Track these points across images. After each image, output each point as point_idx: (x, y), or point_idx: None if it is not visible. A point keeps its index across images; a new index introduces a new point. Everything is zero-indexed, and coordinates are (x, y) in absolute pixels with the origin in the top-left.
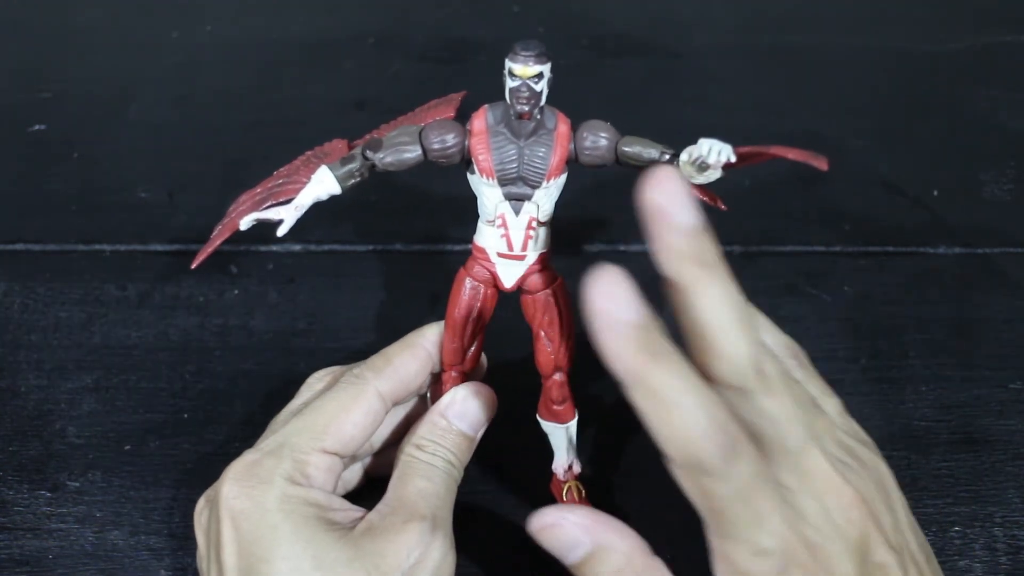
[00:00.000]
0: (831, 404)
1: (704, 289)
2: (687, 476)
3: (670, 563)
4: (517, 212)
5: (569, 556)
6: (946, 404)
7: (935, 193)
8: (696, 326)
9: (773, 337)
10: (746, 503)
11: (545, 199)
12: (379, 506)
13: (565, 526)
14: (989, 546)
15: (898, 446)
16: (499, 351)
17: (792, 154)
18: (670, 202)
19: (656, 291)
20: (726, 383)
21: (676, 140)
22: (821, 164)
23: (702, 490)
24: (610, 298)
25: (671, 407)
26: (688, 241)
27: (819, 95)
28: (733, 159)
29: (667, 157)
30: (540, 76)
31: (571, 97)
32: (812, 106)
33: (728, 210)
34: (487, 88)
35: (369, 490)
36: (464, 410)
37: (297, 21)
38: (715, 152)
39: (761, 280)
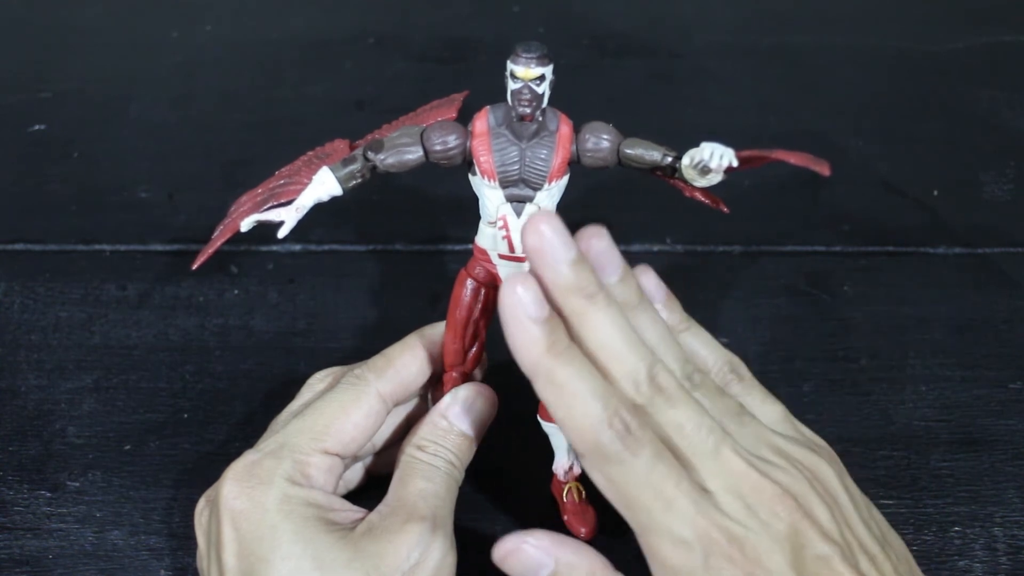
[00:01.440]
0: (772, 411)
1: (588, 318)
2: (594, 467)
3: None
4: (519, 214)
5: None
6: (946, 404)
7: (935, 193)
8: (589, 353)
9: (711, 352)
10: (653, 489)
11: (547, 201)
12: (379, 507)
13: (526, 549)
14: (989, 546)
15: (898, 446)
16: (500, 352)
17: (794, 158)
18: (543, 242)
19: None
20: (629, 401)
21: (676, 140)
22: (823, 169)
23: (608, 479)
24: (517, 295)
25: (570, 396)
26: (566, 276)
27: (819, 95)
28: (735, 163)
29: (669, 159)
30: (542, 78)
31: (571, 97)
32: (812, 106)
33: (728, 211)
34: (487, 88)
35: (371, 489)
36: (465, 410)
37: (297, 21)
38: (717, 156)
39: (761, 280)
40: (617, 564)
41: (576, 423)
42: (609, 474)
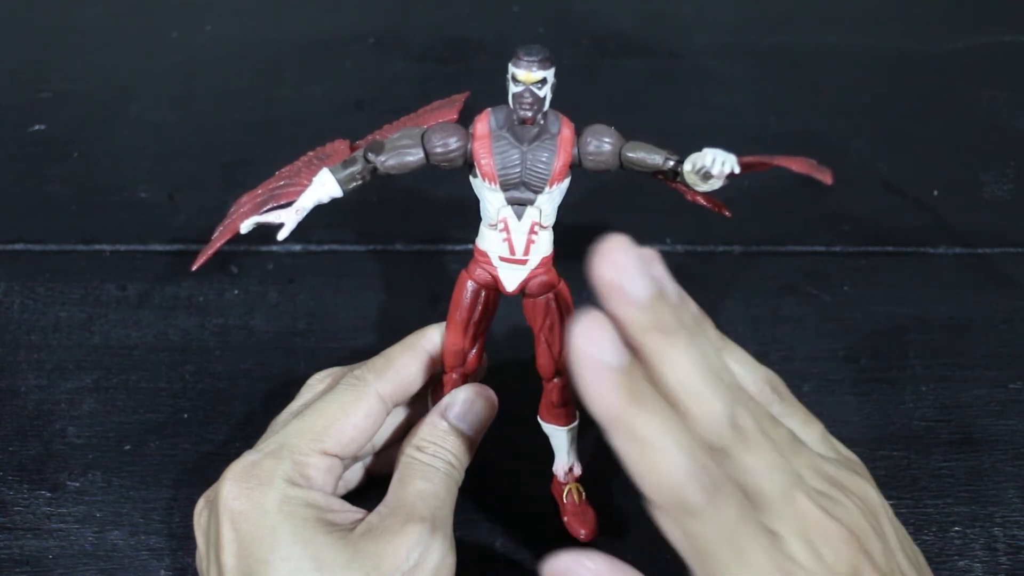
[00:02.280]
0: (813, 432)
1: (669, 357)
2: (670, 519)
3: (669, 564)
4: (519, 216)
5: None
6: (946, 404)
7: (935, 193)
8: (669, 393)
9: (749, 371)
10: (732, 544)
11: (548, 204)
12: (379, 507)
13: (581, 574)
14: (989, 546)
15: (898, 446)
16: (500, 353)
17: (796, 165)
18: (622, 277)
19: None
20: (705, 443)
21: (676, 140)
22: (825, 177)
23: (686, 532)
24: (593, 341)
25: (652, 449)
26: (645, 313)
27: (819, 95)
28: (737, 170)
29: (671, 163)
30: (544, 82)
31: (572, 97)
32: (812, 106)
33: (731, 215)
34: (487, 89)
35: (370, 490)
36: (465, 412)
37: (297, 21)
38: (719, 163)
39: (761, 280)
40: None
41: (657, 476)
42: (687, 527)
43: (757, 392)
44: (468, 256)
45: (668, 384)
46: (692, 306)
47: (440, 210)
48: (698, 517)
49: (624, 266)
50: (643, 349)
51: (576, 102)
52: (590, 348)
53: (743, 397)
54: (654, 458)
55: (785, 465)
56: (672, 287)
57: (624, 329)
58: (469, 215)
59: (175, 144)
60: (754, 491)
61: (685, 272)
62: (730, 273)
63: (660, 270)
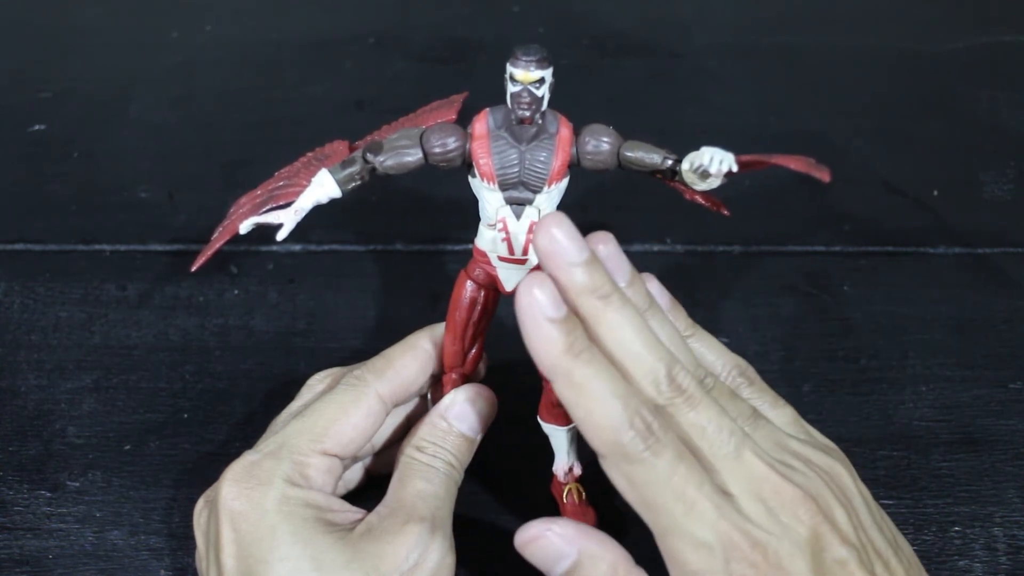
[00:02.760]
0: (783, 414)
1: (605, 318)
2: (614, 468)
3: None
4: (518, 216)
5: (555, 568)
6: (946, 404)
7: (935, 193)
8: (606, 353)
9: (719, 356)
10: (675, 491)
11: (547, 204)
12: (379, 508)
13: (550, 537)
14: (989, 546)
15: (898, 446)
16: (500, 352)
17: (794, 164)
18: (557, 245)
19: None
20: (650, 402)
21: (676, 140)
22: (823, 175)
23: (629, 480)
24: (533, 296)
25: (589, 396)
26: (581, 276)
27: (819, 95)
28: (735, 169)
29: (669, 162)
30: (542, 81)
31: (572, 97)
32: (812, 106)
33: (729, 214)
34: (487, 89)
35: (370, 490)
36: (465, 412)
37: (297, 21)
38: (716, 161)
39: (761, 280)
40: None
41: (596, 423)
42: (630, 475)
43: (726, 375)
44: (468, 256)
45: (605, 344)
46: (653, 286)
47: (440, 210)
48: (639, 464)
49: (557, 236)
50: (580, 311)
51: (576, 102)
52: (530, 302)
53: (689, 361)
54: (590, 404)
55: (733, 427)
56: (625, 268)
57: (563, 294)
58: (469, 215)
59: (175, 144)
60: (701, 449)
61: (685, 272)
62: (730, 273)
63: (612, 248)
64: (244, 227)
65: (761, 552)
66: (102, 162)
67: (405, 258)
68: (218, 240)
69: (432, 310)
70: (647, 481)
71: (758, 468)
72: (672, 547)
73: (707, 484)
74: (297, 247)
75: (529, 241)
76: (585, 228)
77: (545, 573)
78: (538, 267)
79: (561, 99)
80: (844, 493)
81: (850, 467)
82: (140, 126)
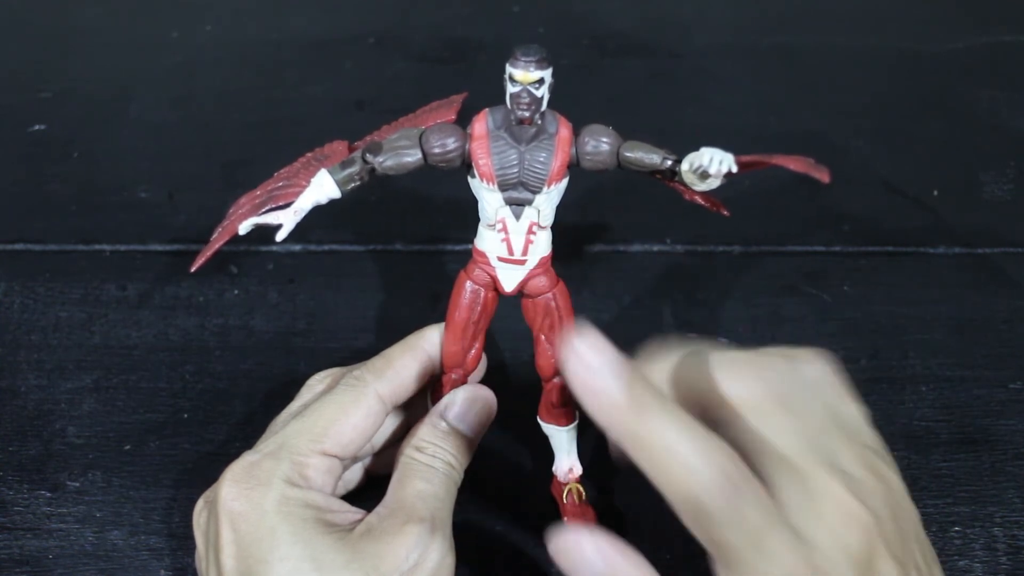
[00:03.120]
0: (856, 413)
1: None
2: (693, 522)
3: (669, 563)
4: (518, 217)
5: None
6: (946, 404)
7: (935, 193)
8: (658, 471)
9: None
10: (749, 535)
11: (546, 204)
12: (378, 508)
13: (585, 549)
14: (989, 546)
15: (898, 446)
16: (500, 353)
17: (794, 164)
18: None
19: (659, 290)
20: (730, 452)
21: (676, 140)
22: (823, 176)
23: (711, 537)
24: (588, 362)
25: (668, 457)
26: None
27: (819, 95)
28: (734, 169)
29: (669, 163)
30: (541, 82)
31: (571, 97)
32: (812, 106)
33: (729, 215)
34: (487, 89)
35: (370, 490)
36: (464, 412)
37: (297, 21)
38: (716, 162)
39: (761, 280)
40: None
41: (676, 484)
42: (710, 532)
43: None
44: (468, 256)
45: (655, 452)
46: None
47: (439, 210)
48: (722, 523)
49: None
50: (630, 439)
51: (576, 102)
52: (577, 364)
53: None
54: (670, 466)
55: (809, 433)
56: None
57: (607, 426)
58: (468, 215)
59: (175, 144)
60: (773, 458)
61: (685, 272)
62: (730, 273)
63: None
64: (243, 228)
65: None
66: (102, 162)
67: (405, 258)
68: (217, 240)
69: (432, 310)
70: (728, 539)
71: (831, 487)
72: None
73: (779, 524)
74: (297, 247)
75: (528, 242)
76: (585, 229)
77: None
78: (536, 268)
79: (561, 99)
80: (899, 506)
81: (898, 472)
82: (140, 126)
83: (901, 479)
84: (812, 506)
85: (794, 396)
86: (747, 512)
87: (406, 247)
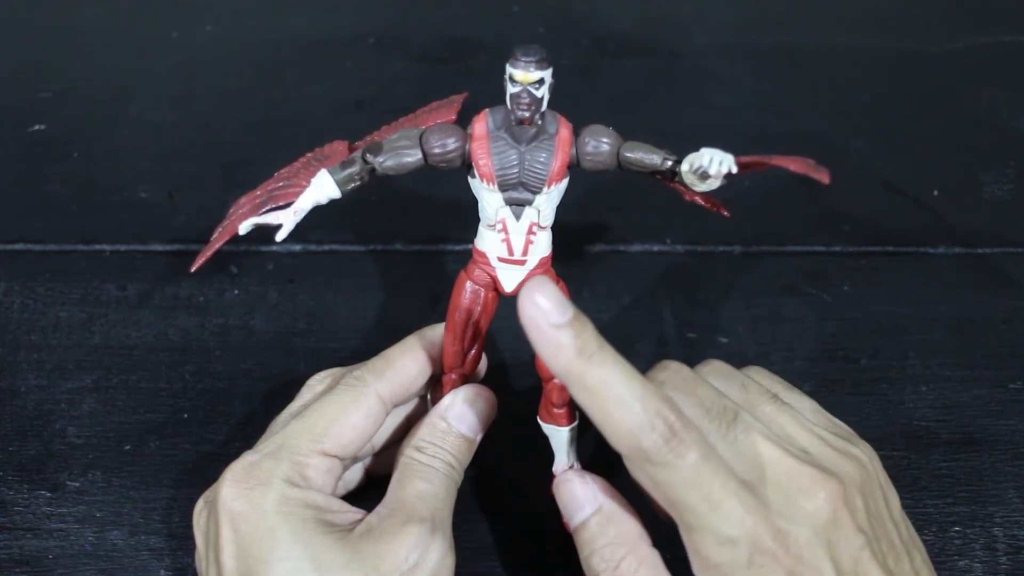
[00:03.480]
0: (804, 403)
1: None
2: (638, 469)
3: (669, 563)
4: (518, 217)
5: (575, 516)
6: (946, 404)
7: (935, 193)
8: (600, 412)
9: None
10: (700, 490)
11: (546, 204)
12: (378, 508)
13: (575, 484)
14: (989, 546)
15: (898, 446)
16: (500, 353)
17: (794, 165)
18: (538, 312)
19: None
20: (670, 399)
21: (676, 140)
22: (823, 177)
23: (654, 482)
24: (539, 304)
25: (609, 402)
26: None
27: (819, 95)
28: (734, 170)
29: (669, 163)
30: (541, 82)
31: (571, 97)
32: (812, 106)
33: (729, 215)
34: (487, 89)
35: (370, 490)
36: (464, 412)
37: (297, 21)
38: (716, 162)
39: (761, 280)
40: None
41: (616, 427)
42: (654, 476)
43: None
44: (468, 256)
45: (597, 404)
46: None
47: (439, 210)
48: (663, 466)
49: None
50: (570, 377)
51: (576, 102)
52: (533, 312)
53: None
54: (608, 408)
55: (745, 401)
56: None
57: (552, 363)
58: (468, 215)
59: (175, 144)
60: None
61: (685, 272)
62: (730, 273)
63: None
64: (243, 228)
65: (782, 542)
66: (102, 162)
67: (405, 258)
68: (217, 241)
69: (432, 310)
70: (672, 482)
71: (775, 454)
72: (696, 542)
73: (732, 480)
74: (297, 247)
75: (528, 242)
76: (585, 229)
77: (567, 520)
78: (536, 268)
79: (561, 99)
80: (866, 480)
81: (875, 457)
82: (140, 126)
83: (874, 460)
84: (766, 472)
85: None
86: (688, 455)
87: (406, 247)
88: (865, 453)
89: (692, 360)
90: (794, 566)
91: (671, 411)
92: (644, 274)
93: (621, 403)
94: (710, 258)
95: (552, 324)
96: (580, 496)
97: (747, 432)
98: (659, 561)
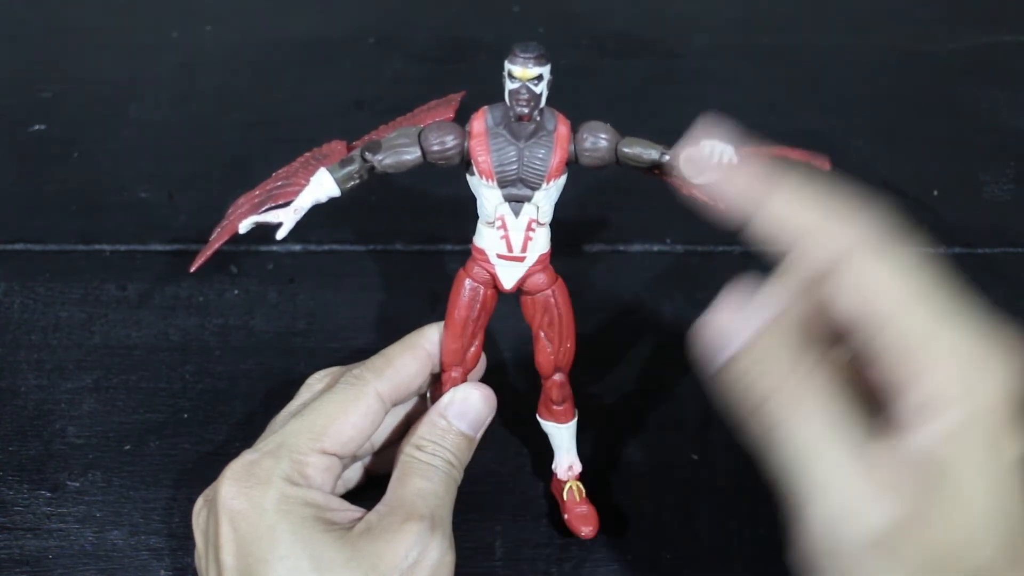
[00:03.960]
0: None
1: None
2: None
3: (669, 563)
4: (517, 214)
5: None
6: None
7: (935, 193)
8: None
9: None
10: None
11: (545, 201)
12: (378, 506)
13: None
14: None
15: None
16: (499, 351)
17: (794, 154)
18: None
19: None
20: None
21: (676, 140)
22: (823, 164)
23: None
24: (730, 175)
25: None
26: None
27: (819, 95)
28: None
29: (667, 158)
30: (539, 78)
31: (571, 97)
32: (812, 106)
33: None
34: (487, 89)
35: (369, 489)
36: (464, 410)
37: (297, 21)
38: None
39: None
40: (617, 564)
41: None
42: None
43: None
44: (468, 256)
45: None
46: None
47: (440, 210)
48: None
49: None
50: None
51: (576, 102)
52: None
53: None
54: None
55: None
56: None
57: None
58: (469, 215)
59: (175, 144)
60: None
61: (685, 272)
62: (730, 273)
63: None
64: (243, 226)
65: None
66: (102, 162)
67: (405, 258)
68: (217, 240)
69: (432, 310)
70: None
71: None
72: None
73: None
74: (297, 247)
75: (527, 239)
76: (584, 227)
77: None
78: (535, 265)
79: (561, 99)
80: None
81: None
82: (140, 126)
83: None
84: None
85: None
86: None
87: (406, 247)
88: None
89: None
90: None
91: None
92: (644, 274)
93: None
94: (710, 258)
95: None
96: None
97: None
98: None
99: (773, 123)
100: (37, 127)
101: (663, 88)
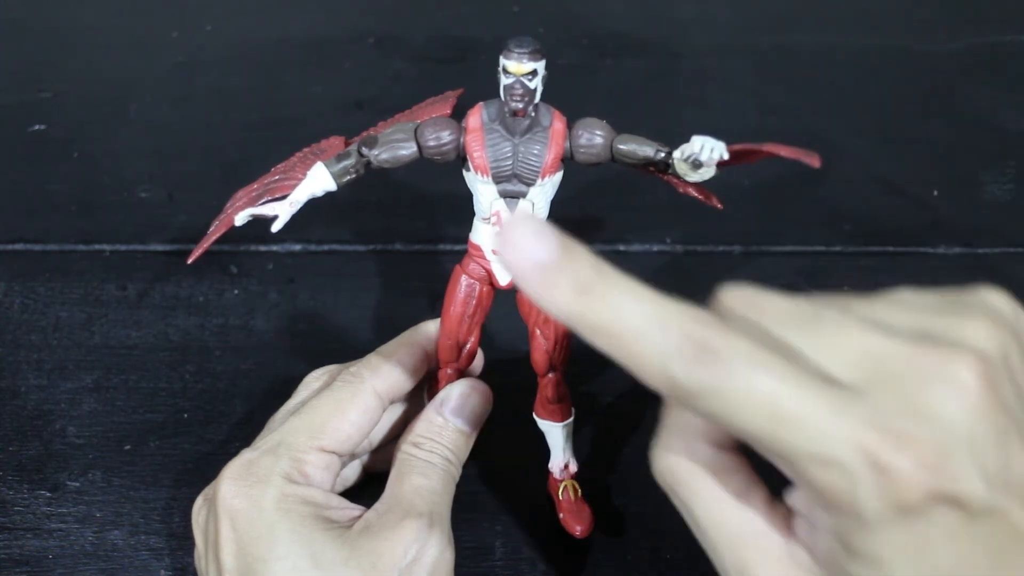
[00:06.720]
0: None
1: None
2: (687, 406)
3: (669, 563)
4: (512, 210)
5: None
6: None
7: (935, 193)
8: (620, 354)
9: None
10: (765, 407)
11: (540, 197)
12: (377, 504)
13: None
14: None
15: None
16: (495, 349)
17: (785, 151)
18: (518, 255)
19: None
20: (693, 312)
21: (676, 140)
22: (813, 161)
23: (716, 416)
24: (517, 244)
25: (624, 338)
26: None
27: (819, 95)
28: (726, 156)
29: (662, 155)
30: (534, 73)
31: (571, 97)
32: (812, 106)
33: (724, 208)
34: (487, 88)
35: (368, 487)
36: (461, 406)
37: (297, 21)
38: (707, 149)
39: (761, 280)
40: (617, 563)
41: (641, 367)
42: (708, 411)
43: None
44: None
45: (613, 331)
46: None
47: (439, 210)
48: (709, 396)
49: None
50: (576, 318)
51: (575, 102)
52: (515, 256)
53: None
54: (624, 346)
55: (819, 302)
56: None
57: (550, 308)
58: (468, 214)
59: (175, 144)
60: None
61: (685, 272)
62: (730, 273)
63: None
64: (240, 219)
65: (914, 451)
66: (102, 162)
67: (405, 258)
68: (214, 233)
69: (431, 310)
70: (728, 411)
71: (874, 343)
72: (796, 474)
73: (810, 384)
74: (297, 247)
75: None
76: (584, 227)
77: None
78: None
79: (561, 99)
80: (1006, 342)
81: (1011, 304)
82: (140, 126)
83: (1019, 310)
84: (876, 365)
85: None
86: (733, 369)
87: (406, 247)
88: (994, 295)
89: None
90: (931, 479)
91: (701, 325)
92: (644, 274)
93: (639, 335)
94: (710, 258)
95: (537, 266)
96: None
97: (837, 328)
98: None
99: (773, 123)
100: (37, 127)
101: (662, 88)
